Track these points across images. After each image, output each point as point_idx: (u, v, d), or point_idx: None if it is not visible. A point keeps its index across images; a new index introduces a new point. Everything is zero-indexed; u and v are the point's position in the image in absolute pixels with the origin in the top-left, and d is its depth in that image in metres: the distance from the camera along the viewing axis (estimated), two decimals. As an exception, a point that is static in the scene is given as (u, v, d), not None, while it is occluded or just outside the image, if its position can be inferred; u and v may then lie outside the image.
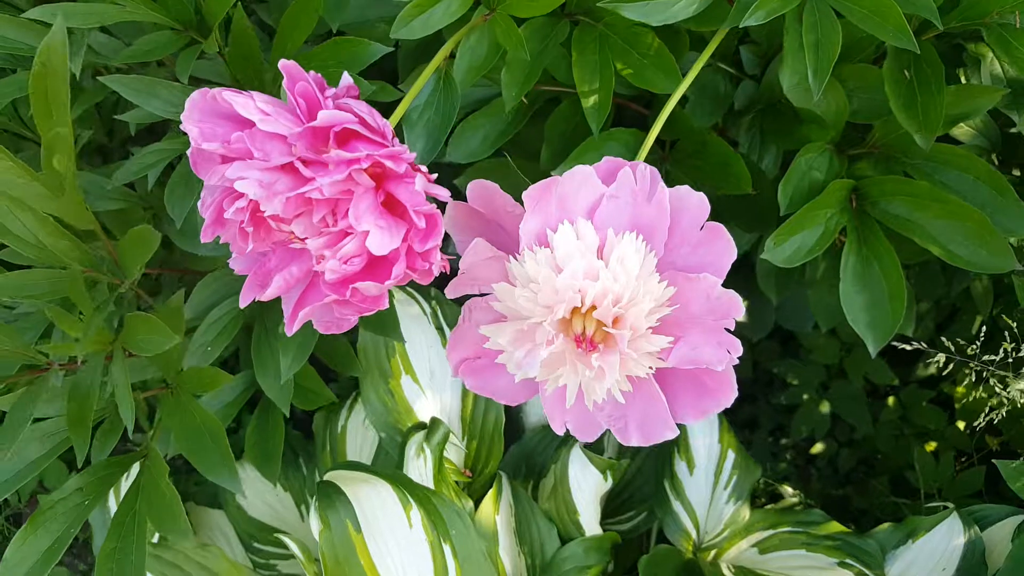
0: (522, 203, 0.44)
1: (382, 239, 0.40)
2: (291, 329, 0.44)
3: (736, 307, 0.39)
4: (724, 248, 0.40)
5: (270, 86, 0.68)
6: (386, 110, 0.90)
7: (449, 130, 0.58)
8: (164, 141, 0.71)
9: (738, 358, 0.40)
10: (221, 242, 0.43)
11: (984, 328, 0.91)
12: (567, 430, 0.45)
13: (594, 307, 0.39)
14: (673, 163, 0.74)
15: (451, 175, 0.76)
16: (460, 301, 0.45)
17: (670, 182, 0.70)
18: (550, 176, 0.70)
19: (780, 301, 0.91)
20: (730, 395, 0.42)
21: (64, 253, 0.57)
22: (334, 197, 0.40)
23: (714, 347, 0.39)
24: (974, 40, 0.71)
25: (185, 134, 0.73)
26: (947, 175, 0.66)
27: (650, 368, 0.40)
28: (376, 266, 0.41)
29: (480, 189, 0.42)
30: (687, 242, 0.41)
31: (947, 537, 0.81)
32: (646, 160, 0.73)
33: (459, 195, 0.79)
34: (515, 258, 0.40)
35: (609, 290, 0.38)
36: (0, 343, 0.61)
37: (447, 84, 0.59)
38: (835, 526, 0.87)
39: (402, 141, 0.47)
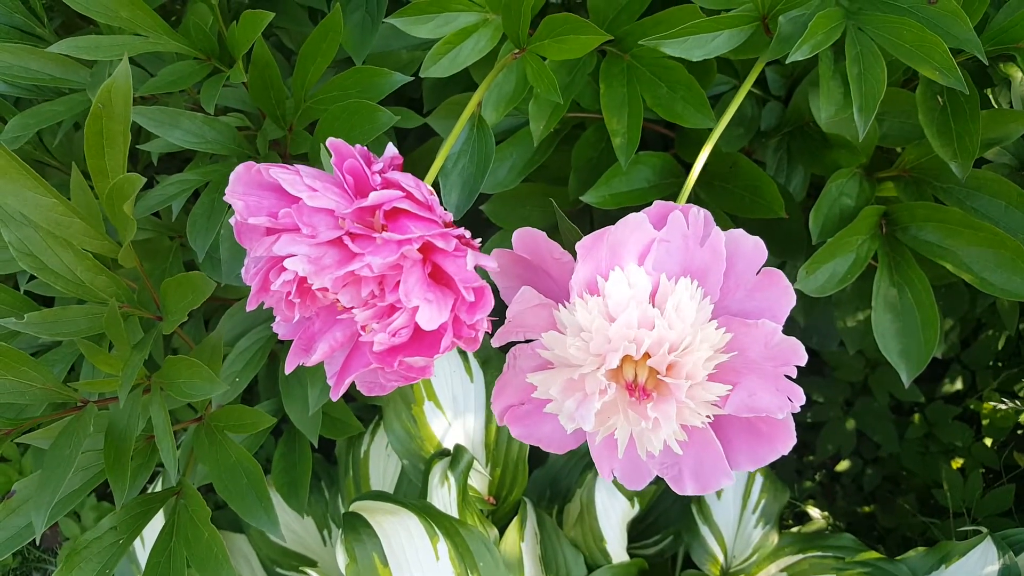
0: (560, 241, 0.43)
1: (431, 314, 0.39)
2: (336, 394, 0.43)
3: (797, 354, 0.37)
4: (782, 293, 0.39)
5: (291, 114, 0.68)
6: (405, 134, 0.90)
7: (484, 176, 0.57)
8: (187, 171, 0.70)
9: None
10: (265, 307, 0.43)
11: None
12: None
13: (647, 355, 0.38)
14: (701, 185, 0.73)
15: (477, 201, 0.76)
16: (504, 348, 0.44)
17: (699, 205, 0.70)
18: (579, 202, 0.70)
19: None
20: (788, 442, 0.40)
21: (102, 289, 0.56)
22: (382, 273, 0.40)
23: (773, 394, 0.38)
24: (1003, 61, 0.71)
25: (208, 163, 0.74)
26: (978, 200, 0.65)
27: (707, 417, 0.39)
28: (424, 335, 0.41)
29: (526, 236, 0.41)
30: (742, 286, 0.39)
31: (981, 562, 0.80)
32: (670, 181, 0.73)
33: (485, 221, 0.79)
34: (563, 306, 0.39)
35: (665, 339, 0.37)
36: (31, 379, 0.60)
37: (481, 131, 0.58)
38: (867, 552, 0.86)
39: (437, 190, 0.47)
